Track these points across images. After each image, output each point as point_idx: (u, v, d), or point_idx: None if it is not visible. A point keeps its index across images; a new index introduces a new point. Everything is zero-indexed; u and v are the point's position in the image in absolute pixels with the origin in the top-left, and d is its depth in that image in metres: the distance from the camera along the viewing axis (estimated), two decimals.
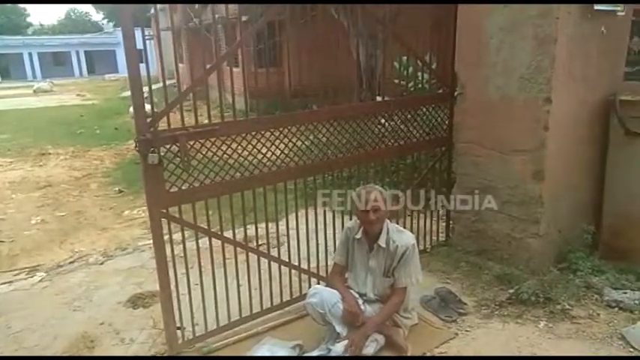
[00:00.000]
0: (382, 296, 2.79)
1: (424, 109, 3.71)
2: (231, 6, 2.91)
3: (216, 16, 2.84)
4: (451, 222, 4.06)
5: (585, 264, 3.41)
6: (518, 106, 3.32)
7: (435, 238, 4.08)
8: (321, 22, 3.33)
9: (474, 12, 3.48)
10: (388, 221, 2.79)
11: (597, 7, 3.20)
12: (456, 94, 3.72)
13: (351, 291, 2.82)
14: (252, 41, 3.24)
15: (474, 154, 3.67)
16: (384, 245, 2.71)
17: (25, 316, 3.33)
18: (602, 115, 3.52)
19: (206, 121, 2.72)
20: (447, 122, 3.84)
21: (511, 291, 3.24)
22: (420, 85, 4.05)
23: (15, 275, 4.09)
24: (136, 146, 2.46)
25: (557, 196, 3.41)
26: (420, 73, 3.99)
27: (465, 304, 3.20)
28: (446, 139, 3.88)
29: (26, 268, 4.27)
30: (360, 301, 2.76)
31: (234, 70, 2.86)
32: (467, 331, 2.95)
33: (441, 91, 3.86)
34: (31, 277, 4.06)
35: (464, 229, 3.86)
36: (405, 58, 4.35)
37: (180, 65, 2.85)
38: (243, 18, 3.03)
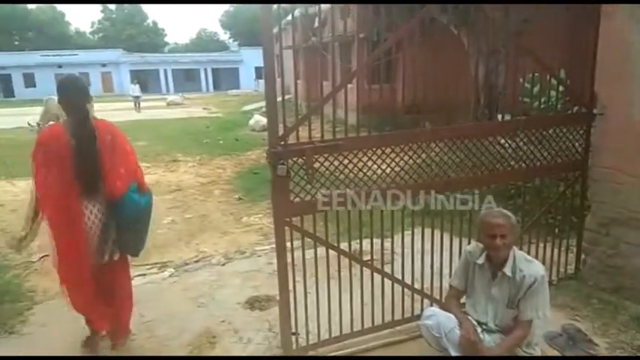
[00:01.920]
0: (503, 327, 2.62)
1: (555, 130, 3.45)
2: (347, 24, 2.97)
3: (335, 34, 2.91)
4: (582, 254, 3.70)
5: None
6: None
7: (562, 270, 3.75)
8: (439, 39, 3.26)
9: (618, 22, 3.18)
10: (515, 248, 2.62)
11: None
12: (595, 113, 3.41)
13: (469, 317, 2.69)
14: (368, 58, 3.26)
15: (614, 180, 3.33)
16: (509, 274, 2.55)
17: (156, 308, 3.66)
18: None
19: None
20: (582, 144, 3.53)
21: None
22: (550, 104, 3.76)
23: (148, 269, 4.52)
24: (267, 158, 2.62)
25: None
26: (550, 91, 3.72)
27: (597, 344, 2.91)
28: (580, 163, 3.56)
29: (158, 263, 4.69)
30: (479, 330, 2.63)
31: (348, 86, 2.90)
32: None
33: (576, 109, 3.57)
34: (162, 272, 4.46)
35: (597, 263, 3.50)
36: (534, 74, 4.09)
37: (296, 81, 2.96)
38: (361, 35, 3.08)
